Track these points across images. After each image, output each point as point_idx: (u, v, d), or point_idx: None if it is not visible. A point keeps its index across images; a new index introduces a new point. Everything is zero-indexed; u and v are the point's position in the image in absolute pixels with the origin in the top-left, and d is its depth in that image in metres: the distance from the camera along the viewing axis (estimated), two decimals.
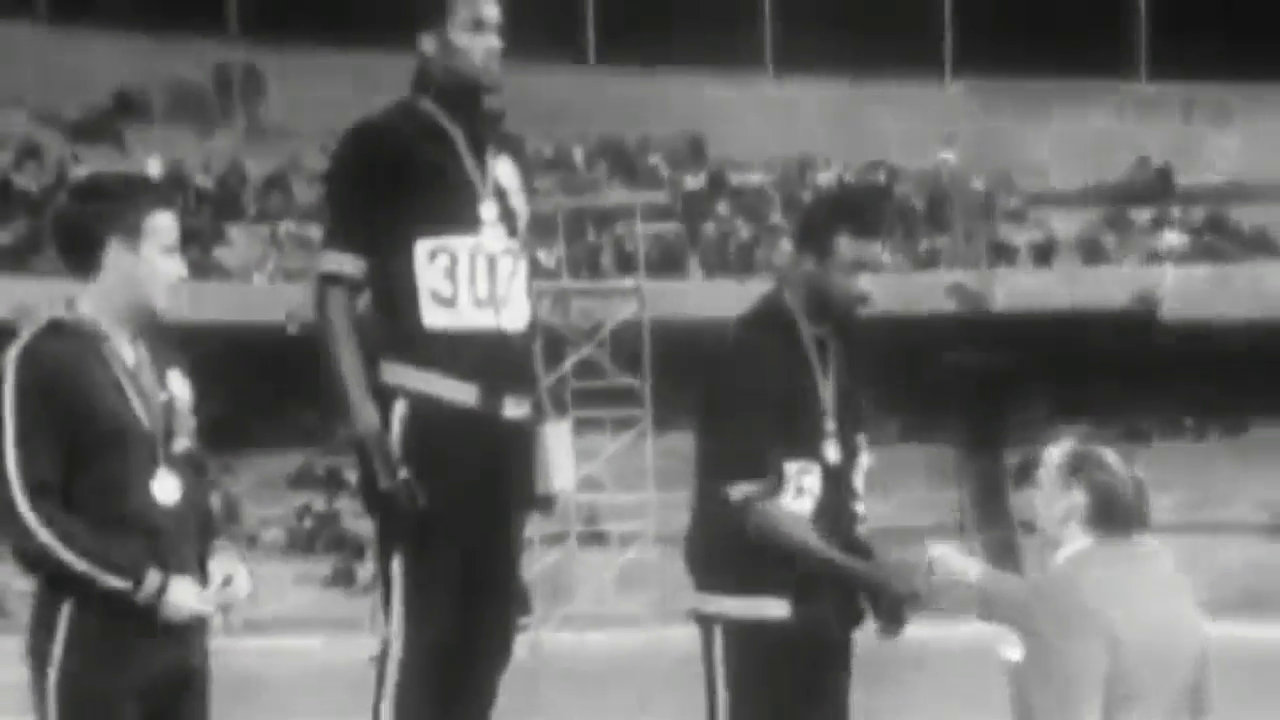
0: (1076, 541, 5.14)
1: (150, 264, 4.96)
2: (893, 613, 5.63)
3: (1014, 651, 5.10)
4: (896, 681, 16.50)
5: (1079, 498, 5.14)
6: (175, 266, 5.00)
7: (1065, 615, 4.99)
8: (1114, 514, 5.13)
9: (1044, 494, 5.18)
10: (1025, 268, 36.79)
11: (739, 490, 5.60)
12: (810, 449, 5.70)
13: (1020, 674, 5.07)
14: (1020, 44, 36.66)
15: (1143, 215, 37.78)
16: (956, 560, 5.27)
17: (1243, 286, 35.59)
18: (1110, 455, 5.23)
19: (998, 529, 34.33)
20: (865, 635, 5.80)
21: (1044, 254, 37.14)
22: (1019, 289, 35.94)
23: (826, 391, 5.74)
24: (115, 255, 4.94)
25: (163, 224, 4.99)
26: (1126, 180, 38.41)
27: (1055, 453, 5.23)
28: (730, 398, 5.65)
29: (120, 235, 4.94)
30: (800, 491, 5.67)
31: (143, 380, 4.98)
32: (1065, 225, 37.39)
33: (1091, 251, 37.17)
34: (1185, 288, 35.79)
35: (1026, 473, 5.16)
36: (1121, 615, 5.01)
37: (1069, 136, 38.62)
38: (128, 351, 4.99)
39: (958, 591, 5.25)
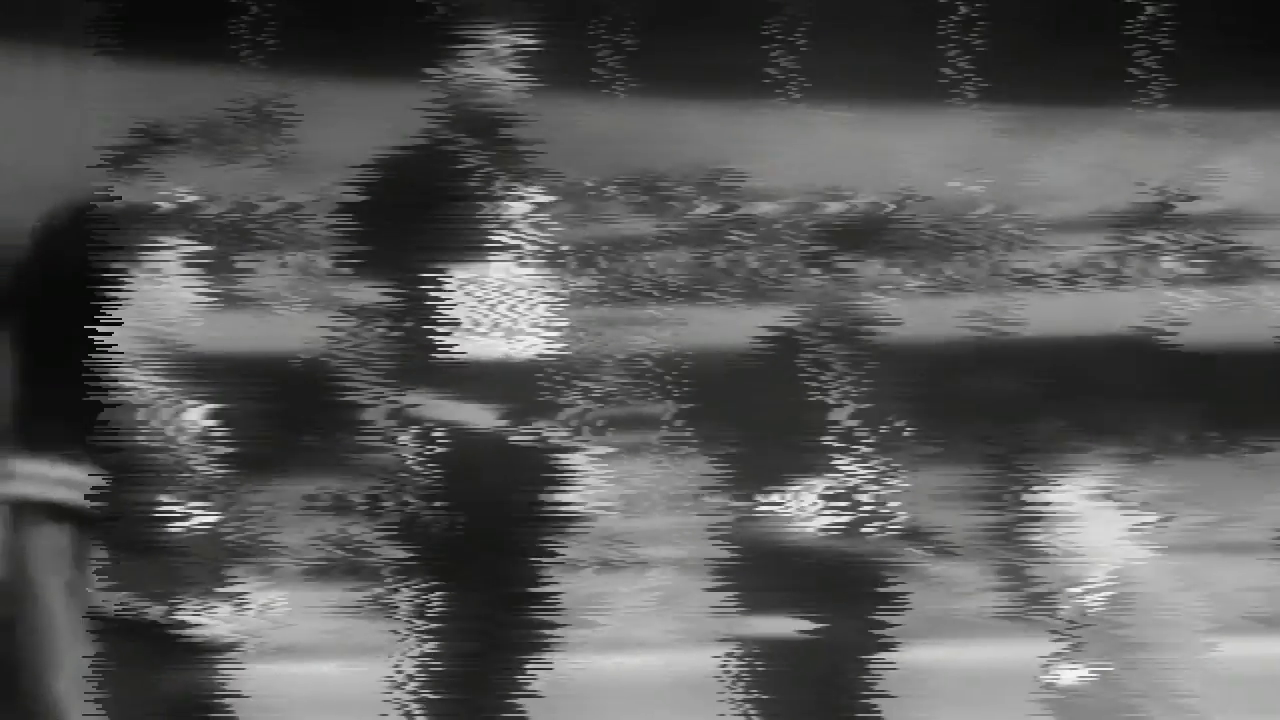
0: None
1: None
2: None
3: (1074, 672, 4.98)
4: None
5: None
6: None
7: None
8: None
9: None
10: (1043, 293, 37.51)
11: None
12: None
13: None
14: (1035, 71, 37.38)
15: (1148, 240, 38.51)
16: None
17: (1246, 311, 36.39)
18: None
19: None
20: None
21: (1061, 280, 37.91)
22: (1038, 315, 36.67)
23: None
24: None
25: None
26: (1131, 206, 39.16)
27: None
28: None
29: None
30: None
31: None
32: (1075, 251, 38.12)
33: (1101, 277, 37.93)
34: (1191, 312, 36.61)
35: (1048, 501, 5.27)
36: None
37: (1079, 162, 39.33)
38: None
39: None
